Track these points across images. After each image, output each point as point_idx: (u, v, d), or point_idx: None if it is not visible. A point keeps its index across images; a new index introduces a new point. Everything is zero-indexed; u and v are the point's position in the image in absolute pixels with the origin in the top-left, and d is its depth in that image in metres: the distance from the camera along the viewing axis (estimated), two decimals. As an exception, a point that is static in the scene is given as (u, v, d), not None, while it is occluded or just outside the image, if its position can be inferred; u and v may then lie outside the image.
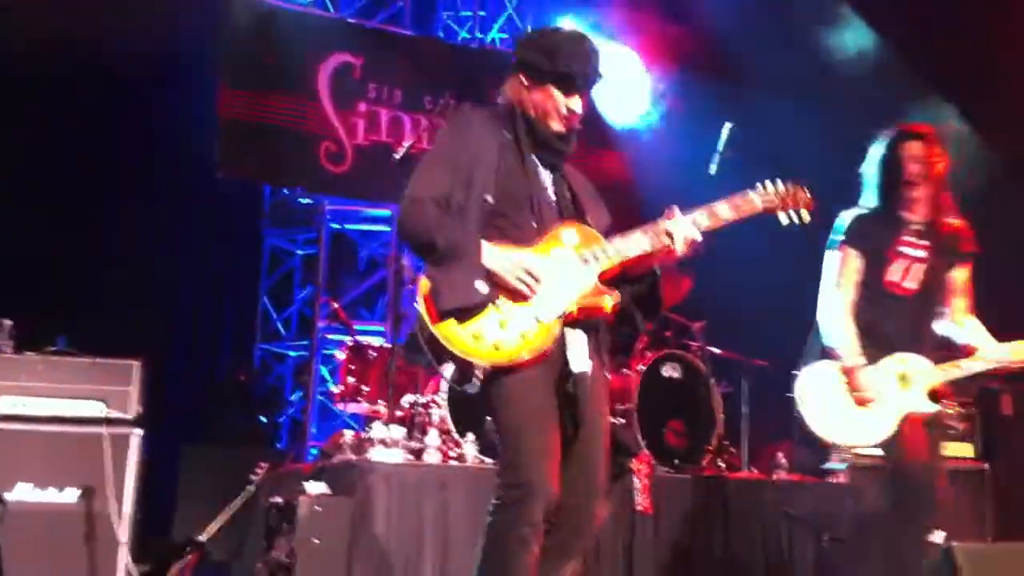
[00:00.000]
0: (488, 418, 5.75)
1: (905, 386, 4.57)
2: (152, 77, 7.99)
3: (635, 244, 3.61)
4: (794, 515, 6.06)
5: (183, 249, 8.49)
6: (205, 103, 8.26)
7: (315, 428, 8.95)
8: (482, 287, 3.40)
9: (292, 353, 9.67)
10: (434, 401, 6.33)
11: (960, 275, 4.79)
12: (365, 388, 6.86)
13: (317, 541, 4.99)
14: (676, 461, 6.62)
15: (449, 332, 3.37)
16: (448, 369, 3.44)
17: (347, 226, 9.66)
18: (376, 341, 7.51)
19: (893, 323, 4.68)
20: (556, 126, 3.68)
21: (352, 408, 7.02)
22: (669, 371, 6.95)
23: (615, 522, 5.50)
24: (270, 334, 9.68)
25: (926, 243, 4.73)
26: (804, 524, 6.05)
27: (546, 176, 3.70)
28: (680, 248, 3.60)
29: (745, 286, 7.41)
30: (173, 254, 8.44)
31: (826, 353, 4.71)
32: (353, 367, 6.95)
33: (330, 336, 9.09)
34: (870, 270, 4.74)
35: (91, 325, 6.12)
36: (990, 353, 4.65)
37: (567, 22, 9.17)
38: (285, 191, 9.52)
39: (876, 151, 4.82)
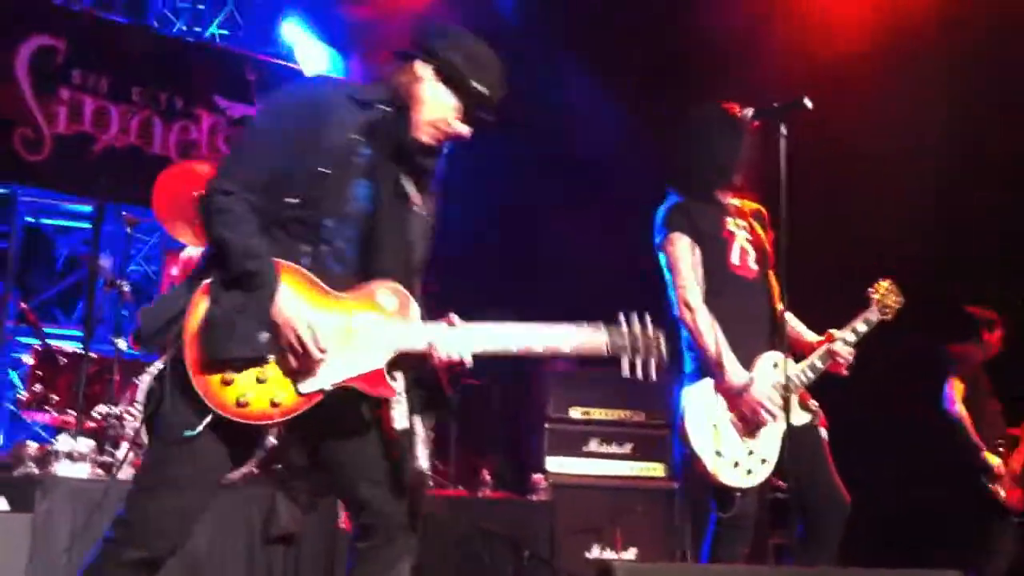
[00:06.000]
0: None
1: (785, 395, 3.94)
2: None
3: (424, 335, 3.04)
4: (492, 532, 6.12)
5: None
6: None
7: (2, 438, 8.32)
8: (264, 337, 2.87)
9: (-24, 355, 8.96)
10: (129, 412, 5.99)
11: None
12: (54, 396, 6.43)
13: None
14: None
15: (209, 381, 2.85)
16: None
17: (43, 220, 9.05)
18: (70, 346, 7.05)
19: (748, 314, 4.14)
20: (425, 138, 3.07)
21: (39, 417, 6.58)
22: (379, 388, 6.88)
23: (318, 539, 5.41)
24: (-51, 333, 8.93)
25: (745, 223, 4.30)
26: (504, 541, 6.12)
27: (404, 206, 3.09)
28: (468, 361, 3.06)
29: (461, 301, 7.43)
30: None
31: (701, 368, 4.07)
32: (41, 373, 6.50)
33: (21, 338, 8.45)
34: (711, 256, 4.18)
35: None
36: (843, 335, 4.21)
37: (291, 26, 9.04)
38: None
39: (718, 132, 4.20)
